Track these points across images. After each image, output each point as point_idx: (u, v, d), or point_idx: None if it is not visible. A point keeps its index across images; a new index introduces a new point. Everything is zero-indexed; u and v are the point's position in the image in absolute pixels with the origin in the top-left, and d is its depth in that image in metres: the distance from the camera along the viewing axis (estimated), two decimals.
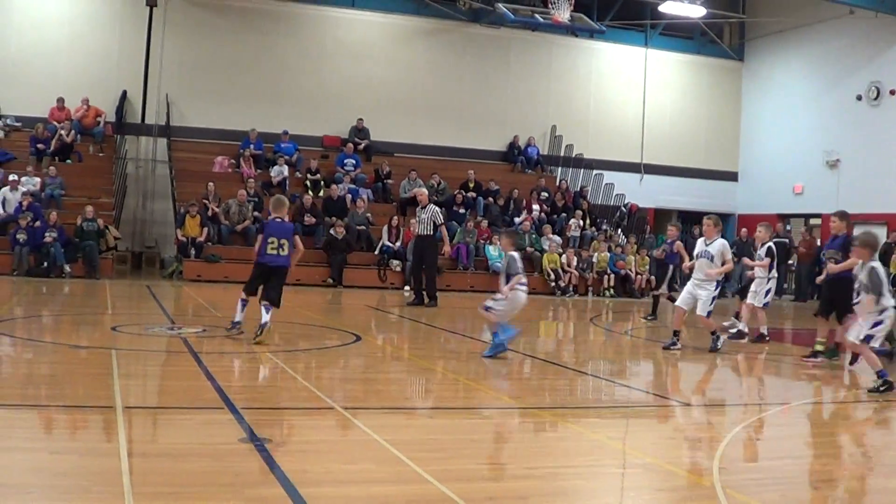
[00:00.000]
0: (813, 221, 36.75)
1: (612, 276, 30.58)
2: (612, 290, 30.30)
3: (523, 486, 7.13)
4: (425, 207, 23.17)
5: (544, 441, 9.12)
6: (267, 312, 14.82)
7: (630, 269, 30.87)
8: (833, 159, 35.83)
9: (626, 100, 38.59)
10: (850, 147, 35.31)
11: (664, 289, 22.20)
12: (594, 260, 30.30)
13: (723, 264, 15.78)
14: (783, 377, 15.11)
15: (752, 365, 16.04)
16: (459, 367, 14.04)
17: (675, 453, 8.77)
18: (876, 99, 34.46)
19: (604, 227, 33.92)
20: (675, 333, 16.38)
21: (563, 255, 30.46)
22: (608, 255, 30.74)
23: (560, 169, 36.94)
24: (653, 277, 29.02)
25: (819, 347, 14.67)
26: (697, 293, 15.86)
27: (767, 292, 17.66)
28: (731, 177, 40.20)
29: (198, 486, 6.68)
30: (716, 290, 15.93)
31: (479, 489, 6.97)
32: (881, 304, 12.80)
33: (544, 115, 37.09)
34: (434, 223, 23.00)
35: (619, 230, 34.13)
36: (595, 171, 36.74)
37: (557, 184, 35.73)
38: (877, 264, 13.20)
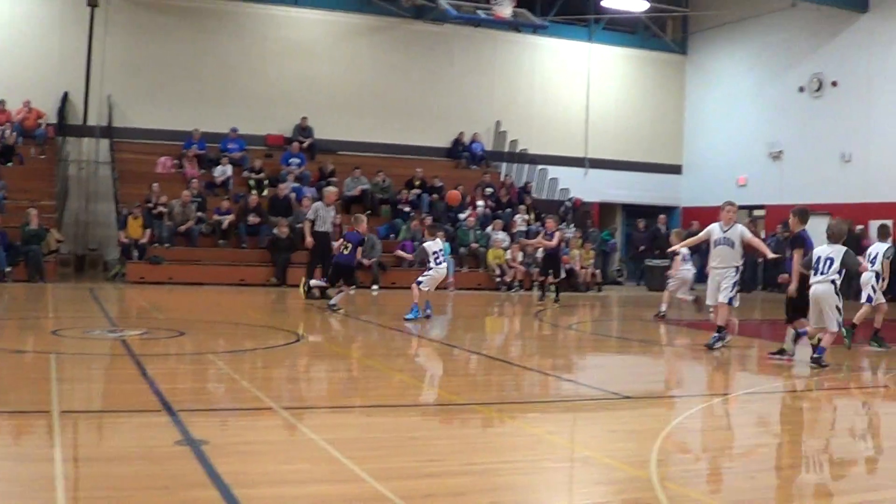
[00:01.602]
0: (757, 213, 37.00)
1: None
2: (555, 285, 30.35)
3: (461, 483, 7.12)
4: (330, 206, 24.20)
5: (484, 437, 9.12)
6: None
7: (575, 263, 30.95)
8: (776, 151, 36.09)
9: (570, 94, 38.65)
10: (792, 139, 35.58)
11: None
12: (539, 255, 30.32)
13: (743, 248, 15.87)
14: (727, 368, 15.19)
15: (696, 357, 16.12)
16: (402, 365, 14.09)
17: (615, 446, 8.79)
18: (818, 91, 34.71)
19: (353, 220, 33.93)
20: (720, 329, 16.04)
21: (508, 251, 30.51)
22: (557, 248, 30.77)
23: (505, 164, 36.98)
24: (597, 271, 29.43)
25: (787, 347, 14.64)
26: (720, 282, 15.78)
27: (735, 285, 17.29)
28: (676, 170, 40.39)
29: (132, 489, 6.61)
30: (736, 275, 15.84)
31: (416, 487, 6.96)
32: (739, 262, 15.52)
33: (489, 110, 37.08)
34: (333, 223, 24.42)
35: (564, 224, 34.18)
36: (540, 166, 36.84)
37: (502, 179, 35.78)
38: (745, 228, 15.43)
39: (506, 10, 32.37)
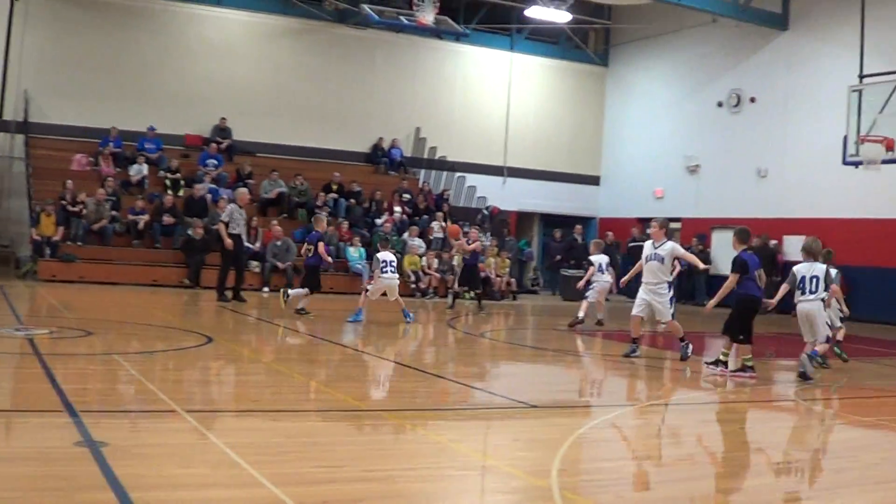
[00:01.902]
0: (673, 225, 37.27)
1: None
2: (472, 292, 30.40)
3: (359, 489, 7.11)
4: (243, 208, 24.31)
5: (386, 444, 9.08)
6: None
7: (490, 272, 31.05)
8: (693, 164, 36.42)
9: (491, 103, 38.73)
10: (709, 153, 35.93)
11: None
12: (454, 262, 30.37)
13: (674, 265, 16.43)
14: (636, 379, 15.31)
15: (607, 366, 16.25)
16: (311, 370, 14.03)
17: (518, 455, 8.82)
18: (736, 106, 35.10)
19: (465, 229, 34.04)
20: (635, 341, 16.48)
21: (424, 258, 30.54)
22: (462, 256, 30.82)
23: (423, 171, 36.98)
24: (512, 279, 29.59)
25: (748, 363, 14.75)
26: (653, 299, 16.12)
27: (671, 301, 17.23)
28: (594, 181, 40.62)
29: (25, 490, 6.51)
30: (669, 290, 16.40)
31: (313, 492, 6.93)
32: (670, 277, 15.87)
33: (409, 116, 37.06)
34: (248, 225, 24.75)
35: (480, 233, 34.22)
36: (458, 174, 36.88)
37: (420, 186, 35.80)
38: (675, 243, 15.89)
39: (428, 17, 32.43)
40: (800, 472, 9.10)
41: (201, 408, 10.21)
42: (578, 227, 36.58)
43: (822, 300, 14.94)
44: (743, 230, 15.27)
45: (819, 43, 32.06)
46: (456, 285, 26.60)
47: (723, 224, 34.16)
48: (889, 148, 23.96)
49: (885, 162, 24.33)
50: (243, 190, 25.42)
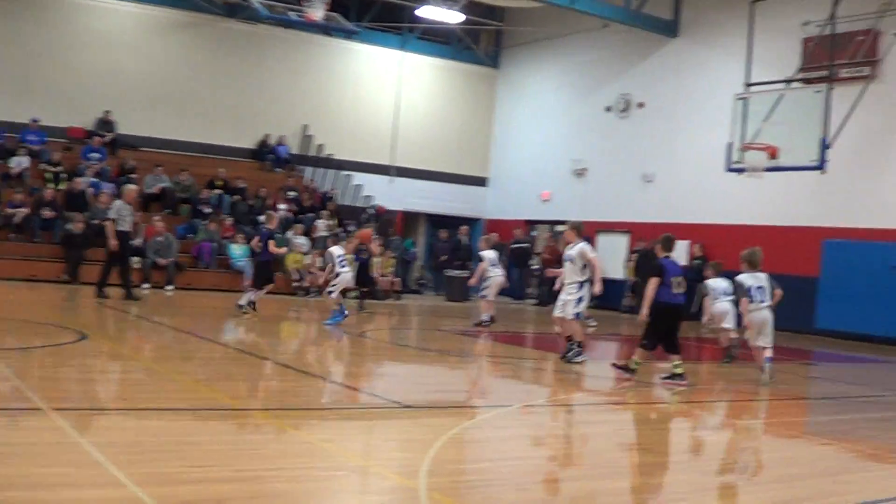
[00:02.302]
0: (559, 228, 37.51)
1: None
2: (355, 292, 30.27)
3: (224, 490, 6.99)
4: (130, 204, 23.85)
5: (257, 443, 8.95)
6: None
7: (375, 271, 30.95)
8: (580, 168, 36.64)
9: (381, 102, 38.57)
10: (597, 157, 36.16)
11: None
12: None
13: (584, 266, 16.33)
14: (515, 380, 15.37)
15: (485, 367, 16.28)
16: (188, 368, 13.83)
17: (388, 456, 8.79)
18: (624, 111, 35.38)
19: (350, 228, 33.92)
20: (570, 339, 16.61)
21: (308, 256, 30.36)
22: (353, 256, 30.70)
23: (310, 169, 36.73)
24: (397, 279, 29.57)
25: (678, 370, 14.76)
26: (566, 297, 16.42)
27: (580, 301, 16.79)
28: (481, 182, 40.67)
29: None
30: (579, 290, 16.34)
31: (177, 493, 6.80)
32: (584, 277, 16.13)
33: (297, 114, 36.72)
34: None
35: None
36: (345, 172, 36.71)
37: (306, 183, 35.58)
38: (586, 245, 16.30)
39: (318, 13, 32.19)
40: (667, 473, 9.16)
41: (69, 406, 9.96)
42: (464, 227, 36.63)
43: (770, 307, 15.67)
44: (667, 238, 15.43)
45: (708, 51, 32.48)
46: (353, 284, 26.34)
47: (609, 228, 34.48)
48: (772, 156, 24.32)
49: (767, 169, 24.68)
50: (131, 187, 25.01)
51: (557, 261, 25.65)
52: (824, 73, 24.70)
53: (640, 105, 34.84)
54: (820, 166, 23.67)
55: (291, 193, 33.85)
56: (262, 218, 23.66)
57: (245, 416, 10.15)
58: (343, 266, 21.29)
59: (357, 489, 7.48)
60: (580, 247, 16.43)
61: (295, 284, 29.74)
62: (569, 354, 16.44)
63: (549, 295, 33.67)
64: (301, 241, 30.93)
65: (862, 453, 10.54)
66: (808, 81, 26.55)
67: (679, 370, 14.69)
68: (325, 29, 34.82)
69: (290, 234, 31.19)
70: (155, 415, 9.86)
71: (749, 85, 25.87)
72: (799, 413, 14.54)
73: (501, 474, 8.37)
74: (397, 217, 37.54)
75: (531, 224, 38.31)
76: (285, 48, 36.46)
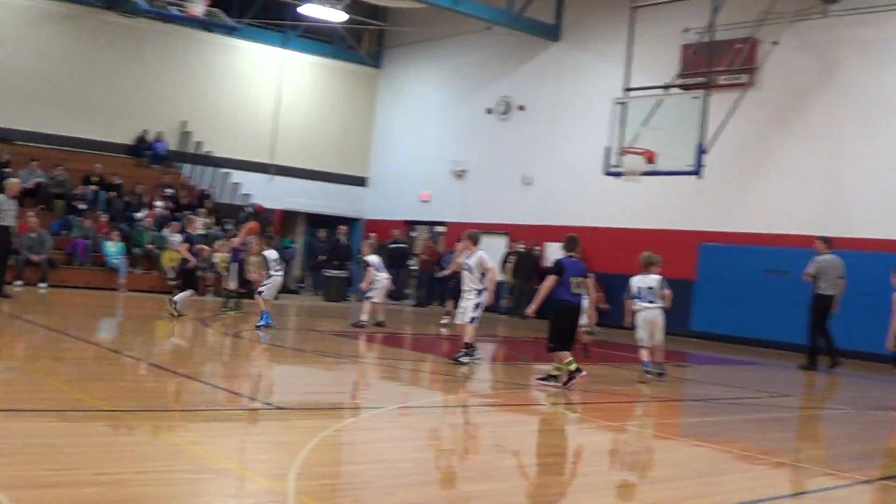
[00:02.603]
0: (439, 229, 37.59)
1: None
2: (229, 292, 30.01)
3: (88, 493, 6.79)
4: (12, 199, 23.38)
5: (122, 446, 8.72)
6: None
7: (252, 271, 30.62)
8: (460, 169, 36.68)
9: (261, 99, 38.22)
10: (477, 158, 36.25)
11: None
12: (215, 259, 29.84)
13: (483, 274, 16.84)
14: (391, 381, 15.30)
15: (364, 369, 16.21)
16: (59, 368, 13.51)
17: (257, 458, 8.65)
18: (505, 113, 35.51)
19: (228, 226, 33.59)
20: (468, 346, 16.95)
21: None
22: (229, 255, 30.37)
23: (188, 166, 36.27)
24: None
25: (555, 372, 14.85)
26: (464, 305, 17.13)
27: (476, 307, 17.15)
28: (361, 182, 40.54)
29: None
30: (478, 297, 16.89)
31: (40, 497, 6.59)
32: (482, 285, 16.66)
33: (175, 110, 36.22)
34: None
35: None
36: (223, 170, 36.33)
37: (183, 181, 35.12)
38: (484, 254, 16.95)
39: (198, 8, 31.83)
40: (543, 475, 9.14)
41: None
42: (343, 227, 36.42)
43: (661, 307, 16.24)
44: (570, 238, 15.50)
45: (588, 55, 32.73)
46: (231, 284, 26.03)
47: (487, 229, 34.50)
48: (649, 160, 24.50)
49: (645, 174, 24.88)
50: (14, 180, 24.44)
51: (437, 262, 25.69)
52: (702, 79, 24.97)
53: (521, 108, 35.01)
54: (696, 171, 23.90)
55: (168, 191, 33.41)
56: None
57: (114, 417, 9.90)
58: (277, 270, 21.66)
59: (223, 492, 7.31)
60: (479, 256, 16.98)
61: (171, 283, 29.29)
62: (458, 355, 16.80)
63: (428, 296, 33.85)
64: (177, 239, 30.47)
65: (733, 454, 10.62)
66: (686, 87, 26.87)
67: (556, 372, 14.79)
68: (206, 24, 34.42)
69: (166, 231, 30.75)
70: (21, 416, 9.59)
71: (628, 90, 26.07)
72: (672, 415, 14.66)
73: (371, 477, 8.26)
74: (276, 216, 37.20)
75: (410, 225, 38.28)
76: (165, 43, 35.92)
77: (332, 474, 8.30)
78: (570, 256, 15.20)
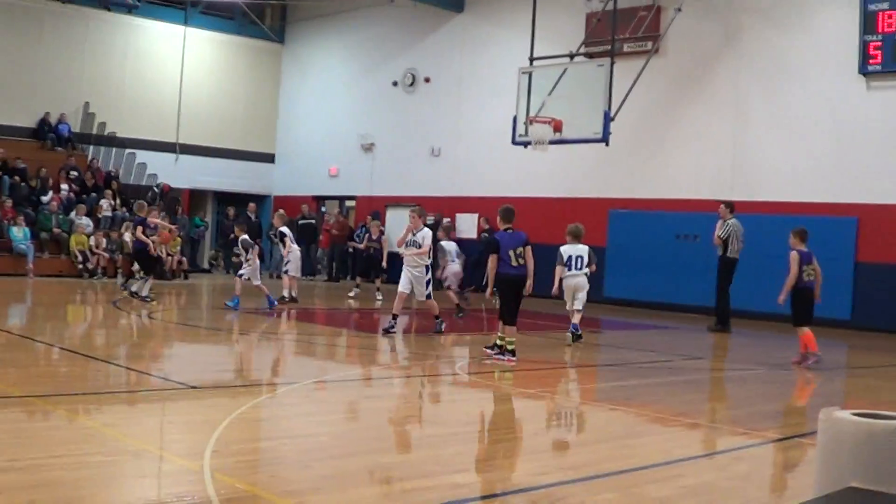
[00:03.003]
0: (348, 203, 37.54)
1: None
2: (141, 273, 29.72)
3: (1, 480, 6.68)
4: None
5: (35, 431, 8.60)
6: None
7: (161, 251, 30.39)
8: (368, 143, 36.58)
9: (164, 78, 37.72)
10: (384, 131, 36.18)
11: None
12: (125, 241, 29.60)
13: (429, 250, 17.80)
14: (305, 356, 15.27)
15: (276, 345, 16.16)
16: None
17: (171, 438, 8.60)
18: (411, 85, 35.46)
19: (135, 207, 33.27)
20: (395, 317, 17.62)
21: (93, 237, 29.61)
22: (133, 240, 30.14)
23: (92, 147, 35.75)
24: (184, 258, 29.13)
25: (499, 342, 14.93)
26: (413, 279, 17.59)
27: (428, 283, 17.91)
28: (269, 158, 40.27)
29: None
30: (427, 273, 17.66)
31: None
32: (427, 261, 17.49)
33: (78, 91, 35.64)
34: None
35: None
36: (128, 150, 35.90)
37: (89, 162, 34.67)
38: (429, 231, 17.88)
39: None
40: (461, 444, 9.17)
41: None
42: (252, 205, 36.27)
43: (586, 274, 17.49)
44: (505, 210, 15.63)
45: (493, 26, 32.72)
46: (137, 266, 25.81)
47: (397, 202, 34.56)
48: (556, 129, 24.58)
49: (553, 143, 24.96)
50: None
51: (349, 237, 25.68)
52: (607, 47, 25.06)
53: (427, 80, 34.97)
54: (604, 139, 24.02)
55: (74, 173, 32.96)
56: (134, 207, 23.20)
57: (27, 403, 9.75)
58: (251, 255, 21.89)
59: (139, 473, 7.25)
60: (424, 232, 17.62)
61: (80, 266, 28.97)
62: (438, 328, 17.97)
63: (340, 271, 33.84)
64: (84, 222, 30.14)
65: (648, 417, 10.73)
66: (591, 56, 27.01)
67: (511, 346, 14.82)
68: (105, 3, 34.00)
69: (73, 214, 30.38)
70: None
71: (533, 59, 26.11)
72: (588, 380, 14.81)
73: (286, 452, 8.26)
74: (184, 195, 36.88)
75: (320, 200, 38.13)
76: (64, 23, 35.29)
77: (249, 451, 8.26)
78: (507, 229, 15.34)
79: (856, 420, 5.79)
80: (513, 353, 14.71)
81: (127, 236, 28.85)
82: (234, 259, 23.44)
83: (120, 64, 36.69)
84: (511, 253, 14.89)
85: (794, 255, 15.61)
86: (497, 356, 14.83)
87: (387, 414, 10.55)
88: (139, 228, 21.97)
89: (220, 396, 10.78)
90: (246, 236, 22.43)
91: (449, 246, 24.06)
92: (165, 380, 11.72)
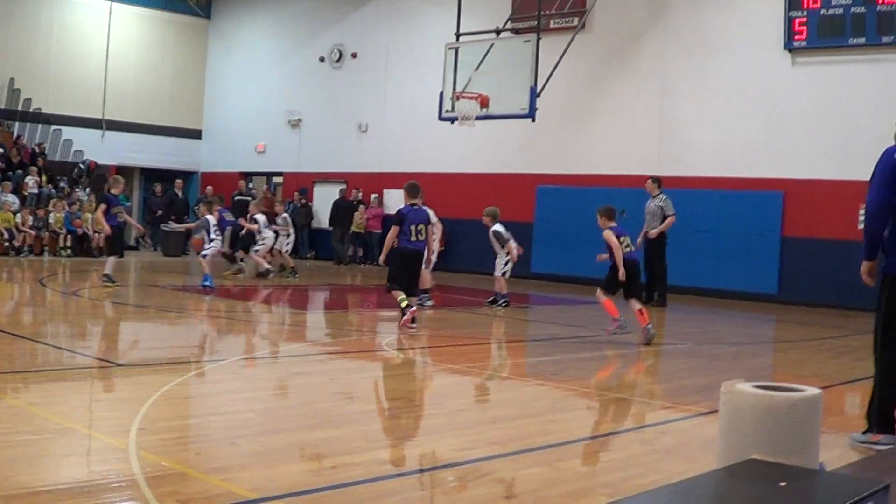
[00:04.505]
0: (275, 180, 37.45)
1: (70, 235, 29.80)
2: (68, 250, 29.53)
3: None
4: None
5: None
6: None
7: (88, 228, 30.19)
8: (295, 119, 36.52)
9: (90, 54, 37.33)
10: (312, 107, 36.16)
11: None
12: (50, 219, 29.34)
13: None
14: (234, 333, 15.25)
15: (208, 323, 16.13)
16: None
17: (97, 416, 8.54)
18: (338, 61, 35.42)
19: (62, 184, 32.98)
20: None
21: (19, 214, 29.29)
22: (64, 213, 29.88)
23: (17, 124, 35.33)
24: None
25: (403, 304, 15.14)
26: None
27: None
28: (196, 134, 40.04)
29: None
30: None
31: None
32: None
33: (2, 67, 35.16)
34: None
35: (78, 188, 33.30)
36: (54, 127, 35.54)
37: (14, 139, 34.25)
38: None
39: None
40: (387, 419, 9.23)
41: None
42: (179, 181, 36.13)
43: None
44: (411, 185, 16.03)
45: (420, 1, 32.76)
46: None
47: (324, 178, 34.56)
48: (483, 105, 24.62)
49: (479, 118, 24.99)
50: None
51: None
52: (534, 23, 25.12)
53: (354, 55, 34.95)
54: (530, 114, 24.11)
55: None
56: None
57: None
58: (217, 233, 22.31)
59: (65, 451, 7.20)
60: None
61: (6, 244, 28.66)
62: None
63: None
64: (10, 199, 29.80)
65: (575, 392, 10.83)
66: (518, 31, 27.07)
67: (404, 304, 15.06)
68: None
69: None
70: None
71: (460, 35, 26.12)
72: (514, 355, 14.89)
73: (213, 429, 8.25)
74: (110, 171, 36.54)
75: (247, 176, 37.97)
76: None
77: (175, 428, 8.23)
78: (413, 205, 15.56)
79: (757, 392, 5.89)
80: (409, 306, 15.07)
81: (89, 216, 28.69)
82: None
83: (45, 39, 36.28)
84: (412, 228, 15.25)
85: (607, 233, 15.65)
86: (408, 322, 15.07)
87: (313, 390, 10.55)
88: (102, 207, 21.34)
89: (146, 374, 10.71)
90: (211, 217, 22.43)
91: (261, 218, 24.64)
92: (92, 357, 11.66)
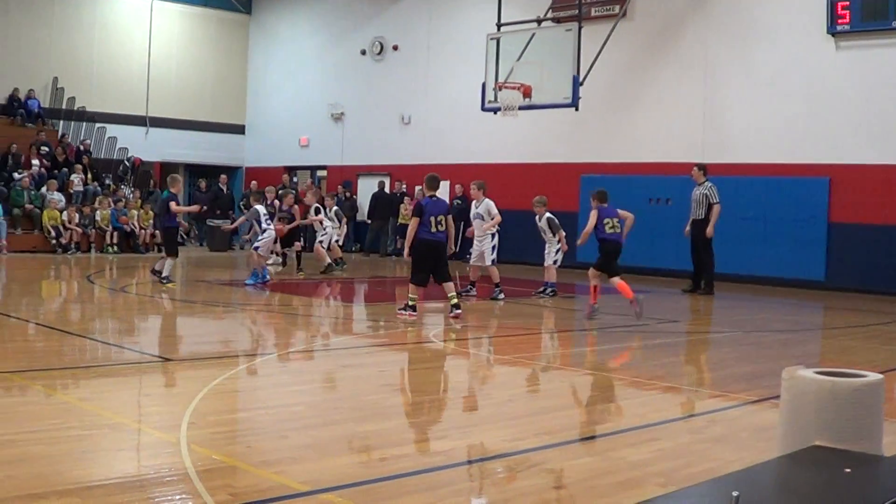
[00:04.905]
0: (320, 173, 37.50)
1: (116, 231, 29.98)
2: (115, 247, 29.70)
3: None
4: None
5: (11, 406, 8.54)
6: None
7: (134, 225, 30.36)
8: (338, 112, 36.58)
9: (132, 52, 37.53)
10: (354, 100, 36.20)
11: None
12: (97, 216, 29.52)
13: (492, 219, 19.08)
14: (282, 327, 15.28)
15: (255, 317, 16.19)
16: None
17: (148, 411, 8.60)
18: (380, 54, 35.44)
19: (107, 181, 33.18)
20: (473, 284, 19.74)
21: (65, 212, 29.49)
22: (110, 210, 30.06)
23: (62, 122, 35.58)
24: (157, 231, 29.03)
25: (411, 302, 15.55)
26: (481, 248, 19.47)
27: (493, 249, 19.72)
28: (239, 130, 40.19)
29: None
30: (493, 240, 19.52)
31: None
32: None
33: (46, 66, 35.45)
34: None
35: (123, 185, 33.50)
36: (98, 125, 35.75)
37: (59, 138, 34.48)
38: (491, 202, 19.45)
39: None
40: (436, 411, 9.22)
41: None
42: (223, 176, 36.24)
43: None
44: (430, 178, 16.25)
45: None
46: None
47: (368, 171, 34.59)
48: (526, 94, 24.60)
49: (522, 108, 24.96)
50: None
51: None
52: (575, 11, 25.05)
53: (395, 48, 34.95)
54: (573, 104, 24.06)
55: (44, 149, 32.77)
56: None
57: (2, 379, 9.68)
58: (269, 224, 21.81)
59: (116, 446, 7.24)
60: (486, 203, 19.18)
61: (53, 242, 28.86)
62: (497, 296, 19.06)
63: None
64: (56, 197, 30.00)
65: (624, 381, 10.80)
66: (559, 20, 26.98)
67: (454, 301, 15.56)
68: None
69: (44, 190, 30.24)
70: None
71: (501, 25, 26.08)
72: (564, 345, 14.86)
73: (263, 423, 8.28)
74: (155, 168, 36.77)
75: (291, 170, 38.04)
76: None
77: (225, 422, 8.27)
78: (432, 196, 15.89)
79: (819, 378, 5.83)
80: (413, 308, 15.53)
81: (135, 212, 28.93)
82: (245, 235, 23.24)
83: (87, 38, 36.51)
84: (432, 219, 15.57)
85: (592, 213, 16.95)
86: (400, 311, 15.61)
87: (360, 382, 10.56)
88: (172, 204, 20.96)
89: (195, 369, 10.79)
90: (261, 207, 22.31)
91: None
92: (142, 353, 11.72)
